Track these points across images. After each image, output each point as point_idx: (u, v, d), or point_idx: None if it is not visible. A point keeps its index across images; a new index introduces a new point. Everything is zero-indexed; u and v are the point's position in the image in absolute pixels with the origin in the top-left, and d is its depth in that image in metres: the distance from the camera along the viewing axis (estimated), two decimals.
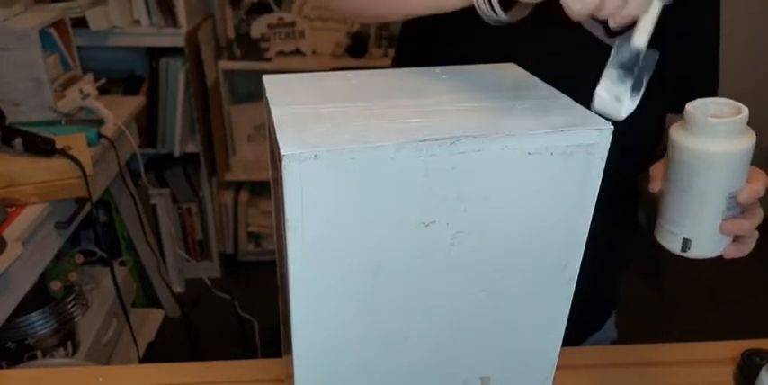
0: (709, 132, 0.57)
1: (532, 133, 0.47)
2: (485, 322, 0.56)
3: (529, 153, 0.48)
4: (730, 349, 0.82)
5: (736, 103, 0.59)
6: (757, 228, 0.63)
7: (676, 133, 0.59)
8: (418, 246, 0.50)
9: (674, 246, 0.63)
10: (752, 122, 0.57)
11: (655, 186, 0.64)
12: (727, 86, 0.81)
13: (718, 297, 2.30)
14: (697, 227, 0.61)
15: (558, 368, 0.62)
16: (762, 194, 0.61)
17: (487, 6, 0.56)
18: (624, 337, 0.98)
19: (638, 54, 0.50)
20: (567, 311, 0.58)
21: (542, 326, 0.59)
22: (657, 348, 0.84)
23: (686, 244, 0.62)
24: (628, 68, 0.50)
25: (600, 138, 0.49)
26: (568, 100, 0.54)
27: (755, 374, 0.72)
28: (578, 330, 0.75)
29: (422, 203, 0.48)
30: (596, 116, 0.50)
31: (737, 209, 0.61)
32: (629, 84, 0.50)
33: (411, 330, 0.55)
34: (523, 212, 0.51)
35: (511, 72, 0.60)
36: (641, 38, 0.50)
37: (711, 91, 0.80)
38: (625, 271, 0.95)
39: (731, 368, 0.80)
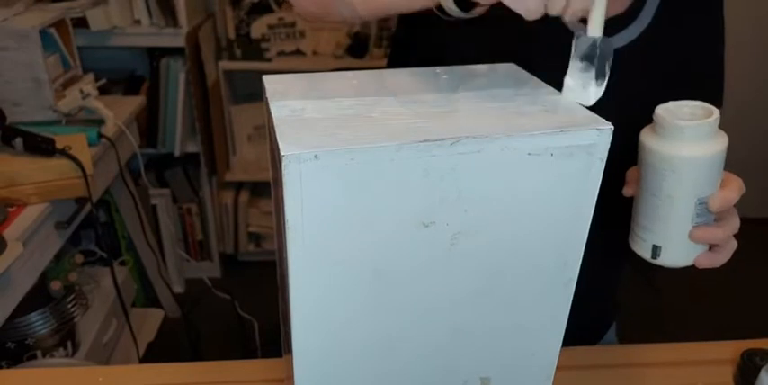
0: (677, 135, 0.55)
1: (532, 134, 0.47)
2: (484, 322, 0.56)
3: (529, 153, 0.48)
4: (730, 349, 0.82)
5: (710, 107, 0.57)
6: (752, 231, 0.61)
7: (645, 136, 0.58)
8: (418, 247, 0.50)
9: (644, 252, 0.61)
10: (754, 123, 0.56)
11: (628, 190, 0.63)
12: (732, 89, 0.80)
13: (717, 297, 2.30)
14: (666, 233, 0.59)
15: (557, 368, 0.62)
16: (734, 202, 0.58)
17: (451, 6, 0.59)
18: (623, 339, 0.97)
19: (594, 44, 0.53)
20: (566, 312, 0.58)
21: (542, 327, 0.59)
22: (657, 348, 0.84)
23: (656, 250, 0.60)
24: (589, 58, 0.53)
25: (600, 139, 0.49)
26: (568, 100, 0.54)
27: (755, 374, 0.72)
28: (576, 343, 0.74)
29: (422, 204, 0.48)
30: (596, 116, 0.50)
31: (710, 216, 0.58)
32: (593, 72, 0.53)
33: (411, 330, 0.55)
34: (523, 213, 0.51)
35: (511, 72, 0.60)
36: (594, 29, 0.53)
37: (716, 94, 0.78)
38: (623, 272, 0.95)
39: (731, 368, 0.80)
